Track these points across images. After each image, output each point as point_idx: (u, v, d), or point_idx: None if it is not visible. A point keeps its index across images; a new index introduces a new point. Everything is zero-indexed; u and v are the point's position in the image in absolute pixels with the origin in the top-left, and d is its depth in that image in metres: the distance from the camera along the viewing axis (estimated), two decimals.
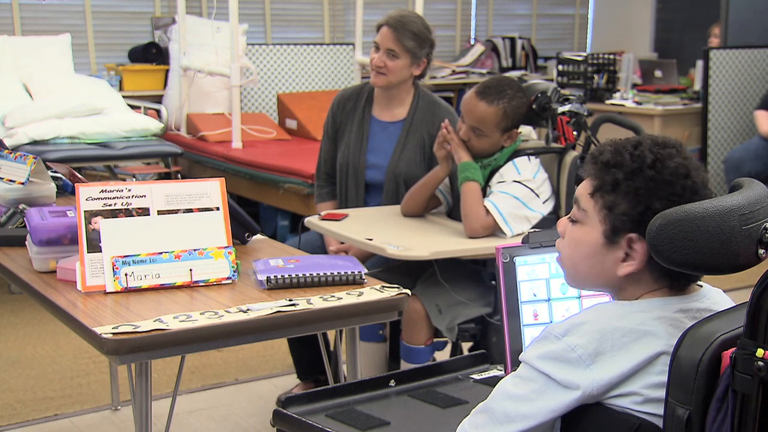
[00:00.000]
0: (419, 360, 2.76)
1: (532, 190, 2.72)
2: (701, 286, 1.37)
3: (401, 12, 3.16)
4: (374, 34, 3.14)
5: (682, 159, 1.31)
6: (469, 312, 2.76)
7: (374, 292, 2.10)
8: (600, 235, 1.33)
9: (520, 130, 2.86)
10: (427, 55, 3.13)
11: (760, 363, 1.10)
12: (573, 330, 1.28)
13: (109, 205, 2.12)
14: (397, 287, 2.12)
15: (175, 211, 2.17)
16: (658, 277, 1.32)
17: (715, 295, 1.36)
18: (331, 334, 2.67)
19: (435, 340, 2.82)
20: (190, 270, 2.10)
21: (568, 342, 1.27)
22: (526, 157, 2.78)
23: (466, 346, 2.94)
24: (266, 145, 5.45)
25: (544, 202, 2.76)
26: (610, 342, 1.26)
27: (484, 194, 2.75)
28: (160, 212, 2.16)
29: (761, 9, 6.78)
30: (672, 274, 1.30)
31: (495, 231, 2.71)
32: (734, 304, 1.31)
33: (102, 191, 2.13)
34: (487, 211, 2.70)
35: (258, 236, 2.54)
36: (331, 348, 2.72)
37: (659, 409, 1.22)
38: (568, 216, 1.41)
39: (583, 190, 1.36)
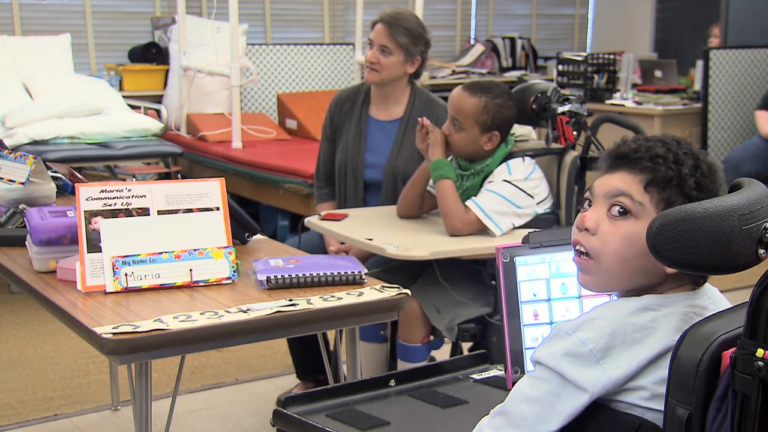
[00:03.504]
0: (415, 358, 2.76)
1: (522, 189, 2.71)
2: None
3: (396, 9, 3.16)
4: None
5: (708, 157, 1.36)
6: (469, 312, 2.76)
7: (374, 292, 2.09)
8: None
9: (514, 131, 2.86)
10: (422, 53, 3.13)
11: (760, 363, 1.10)
12: (584, 325, 1.28)
13: (109, 205, 2.12)
14: (397, 287, 2.12)
15: (175, 211, 2.17)
16: (690, 275, 1.34)
17: (715, 294, 1.37)
18: (331, 334, 2.66)
19: (432, 338, 2.82)
20: (190, 270, 2.10)
21: (579, 336, 1.27)
22: (520, 159, 2.77)
23: (466, 346, 2.94)
24: (266, 145, 5.45)
25: (539, 203, 2.75)
26: (621, 337, 1.26)
27: None
28: (160, 212, 2.16)
29: (761, 9, 6.79)
30: None
31: (480, 229, 2.70)
32: (731, 305, 1.31)
33: (102, 191, 2.13)
34: (468, 209, 2.69)
35: (258, 236, 2.54)
36: (331, 348, 2.72)
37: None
38: (592, 210, 1.34)
39: (630, 183, 1.32)
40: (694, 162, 1.33)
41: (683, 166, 1.32)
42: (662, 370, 1.25)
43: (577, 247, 1.37)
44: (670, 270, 1.30)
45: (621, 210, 1.32)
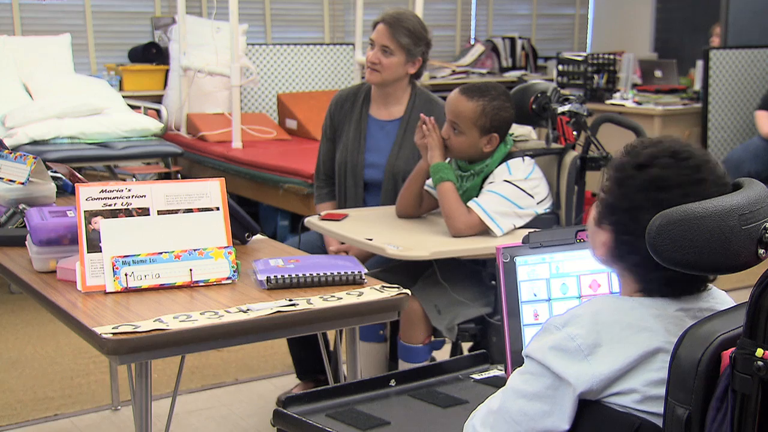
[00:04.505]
0: (417, 359, 2.75)
1: (523, 189, 2.71)
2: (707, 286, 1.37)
3: (398, 9, 3.16)
4: None
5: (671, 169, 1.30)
6: (469, 312, 2.76)
7: (374, 292, 2.09)
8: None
9: (513, 131, 2.85)
10: (423, 53, 3.13)
11: (760, 363, 1.10)
12: (573, 321, 1.29)
13: (109, 205, 2.12)
14: (397, 287, 2.12)
15: (175, 211, 2.17)
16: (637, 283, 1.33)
17: (720, 296, 1.36)
18: (331, 334, 2.66)
19: (433, 339, 2.82)
20: (190, 270, 2.10)
21: (568, 332, 1.28)
22: (520, 159, 2.77)
23: (466, 346, 2.94)
24: (266, 145, 5.45)
25: (539, 203, 2.75)
26: (608, 335, 1.26)
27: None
28: (160, 212, 2.16)
29: (761, 9, 6.79)
30: (654, 282, 1.31)
31: (482, 230, 2.70)
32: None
33: (102, 191, 2.13)
34: (470, 210, 2.69)
35: (258, 236, 2.54)
36: (331, 348, 2.72)
37: (658, 407, 1.22)
38: None
39: None
40: (626, 174, 1.31)
41: (610, 179, 1.34)
42: (653, 372, 1.25)
43: None
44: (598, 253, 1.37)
45: None
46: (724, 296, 1.37)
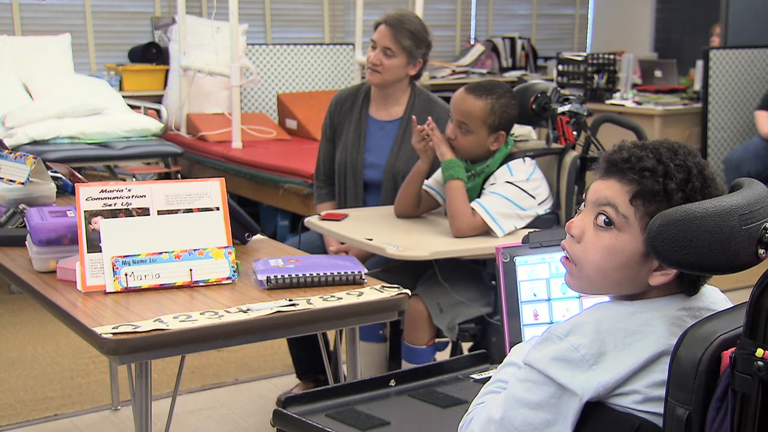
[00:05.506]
0: (421, 360, 2.75)
1: (524, 190, 2.71)
2: None
3: (400, 11, 3.16)
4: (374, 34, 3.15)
5: (709, 168, 1.32)
6: (470, 312, 2.76)
7: (374, 292, 2.09)
8: (641, 244, 1.28)
9: (513, 131, 2.86)
10: (424, 55, 3.13)
11: (760, 363, 1.09)
12: (575, 330, 1.27)
13: (109, 205, 2.12)
14: (397, 287, 2.12)
15: (175, 211, 2.17)
16: (682, 283, 1.31)
17: (714, 294, 1.36)
18: (331, 334, 2.66)
19: (437, 340, 2.82)
20: (190, 270, 2.10)
21: (571, 342, 1.26)
22: (520, 160, 2.77)
23: (466, 346, 2.94)
24: (266, 145, 5.45)
25: (540, 203, 2.75)
26: (612, 343, 1.25)
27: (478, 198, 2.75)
28: (160, 212, 2.16)
29: (761, 9, 6.79)
30: (693, 279, 1.29)
31: (484, 231, 2.70)
32: (732, 304, 1.31)
33: (102, 191, 2.13)
34: (475, 211, 2.69)
35: (258, 236, 2.54)
36: (331, 348, 2.72)
37: (659, 408, 1.22)
38: (580, 216, 1.35)
39: (617, 193, 1.30)
40: (686, 176, 1.27)
41: (671, 181, 1.27)
42: (655, 374, 1.25)
43: (564, 251, 1.37)
44: (654, 281, 1.29)
45: (606, 220, 1.30)
46: (717, 294, 1.37)
